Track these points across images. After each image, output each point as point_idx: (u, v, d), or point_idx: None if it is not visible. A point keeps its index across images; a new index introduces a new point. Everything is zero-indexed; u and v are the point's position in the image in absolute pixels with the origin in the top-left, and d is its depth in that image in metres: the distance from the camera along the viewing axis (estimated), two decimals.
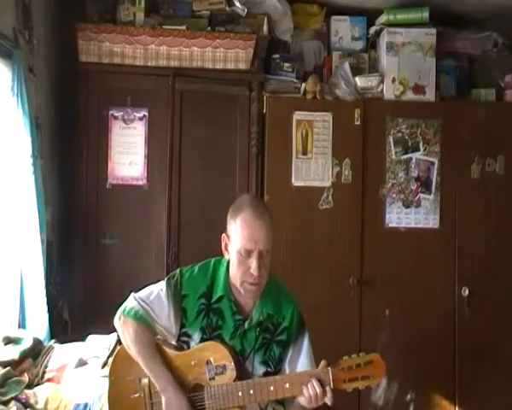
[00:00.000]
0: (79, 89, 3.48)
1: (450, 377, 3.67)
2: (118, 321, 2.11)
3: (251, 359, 2.06)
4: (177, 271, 2.16)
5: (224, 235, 2.09)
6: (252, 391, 1.97)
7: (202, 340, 2.07)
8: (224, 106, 3.62)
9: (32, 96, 3.01)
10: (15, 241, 2.93)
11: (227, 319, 2.08)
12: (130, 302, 2.11)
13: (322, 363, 1.96)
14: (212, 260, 2.16)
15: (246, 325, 2.07)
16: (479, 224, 3.71)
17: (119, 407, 2.09)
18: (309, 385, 1.92)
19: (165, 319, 2.09)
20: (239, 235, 2.00)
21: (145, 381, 2.06)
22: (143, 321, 2.07)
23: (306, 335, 2.11)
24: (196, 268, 2.15)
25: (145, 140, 3.56)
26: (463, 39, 3.93)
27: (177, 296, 2.09)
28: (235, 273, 2.04)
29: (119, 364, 2.13)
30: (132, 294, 2.15)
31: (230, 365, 1.99)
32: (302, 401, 1.95)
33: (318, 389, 1.91)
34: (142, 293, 2.13)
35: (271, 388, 1.96)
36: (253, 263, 1.98)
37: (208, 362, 2.00)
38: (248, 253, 1.99)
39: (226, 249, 2.08)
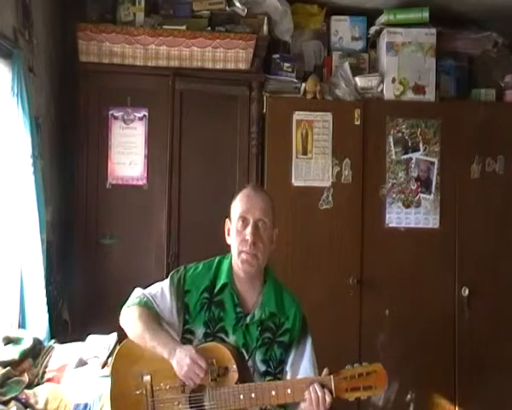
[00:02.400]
0: (79, 89, 3.48)
1: (450, 377, 3.67)
2: (122, 316, 2.11)
3: (253, 355, 2.06)
4: (182, 267, 2.17)
5: (227, 220, 2.13)
6: (253, 395, 1.96)
7: (206, 335, 2.06)
8: (224, 106, 3.62)
9: (32, 96, 3.02)
10: (15, 241, 2.92)
11: (228, 310, 2.08)
12: (134, 295, 2.13)
13: (325, 371, 1.95)
14: (217, 257, 2.18)
15: (247, 320, 2.07)
16: (479, 224, 3.71)
17: (121, 404, 2.09)
18: (311, 388, 1.90)
19: (169, 313, 2.09)
20: (237, 207, 2.08)
21: (147, 378, 2.05)
22: (147, 306, 2.08)
23: (309, 338, 2.10)
24: (201, 265, 2.16)
25: (145, 140, 3.56)
26: (463, 39, 3.93)
27: (180, 292, 2.10)
28: (234, 248, 2.07)
29: (121, 361, 2.12)
30: (136, 288, 2.16)
31: (233, 367, 1.98)
32: (305, 406, 1.93)
33: (321, 393, 1.89)
34: (147, 289, 2.15)
35: (273, 392, 1.95)
36: (249, 230, 2.03)
37: (210, 363, 1.99)
38: (245, 222, 2.04)
39: (228, 234, 2.12)
